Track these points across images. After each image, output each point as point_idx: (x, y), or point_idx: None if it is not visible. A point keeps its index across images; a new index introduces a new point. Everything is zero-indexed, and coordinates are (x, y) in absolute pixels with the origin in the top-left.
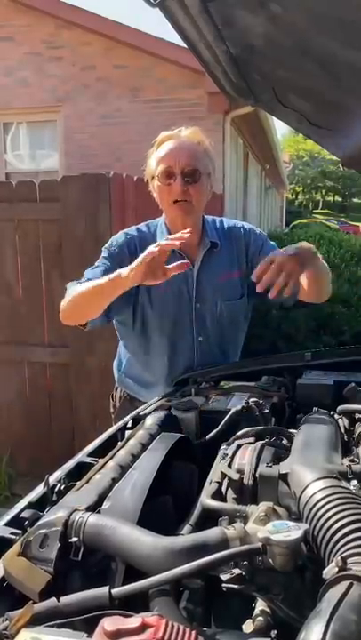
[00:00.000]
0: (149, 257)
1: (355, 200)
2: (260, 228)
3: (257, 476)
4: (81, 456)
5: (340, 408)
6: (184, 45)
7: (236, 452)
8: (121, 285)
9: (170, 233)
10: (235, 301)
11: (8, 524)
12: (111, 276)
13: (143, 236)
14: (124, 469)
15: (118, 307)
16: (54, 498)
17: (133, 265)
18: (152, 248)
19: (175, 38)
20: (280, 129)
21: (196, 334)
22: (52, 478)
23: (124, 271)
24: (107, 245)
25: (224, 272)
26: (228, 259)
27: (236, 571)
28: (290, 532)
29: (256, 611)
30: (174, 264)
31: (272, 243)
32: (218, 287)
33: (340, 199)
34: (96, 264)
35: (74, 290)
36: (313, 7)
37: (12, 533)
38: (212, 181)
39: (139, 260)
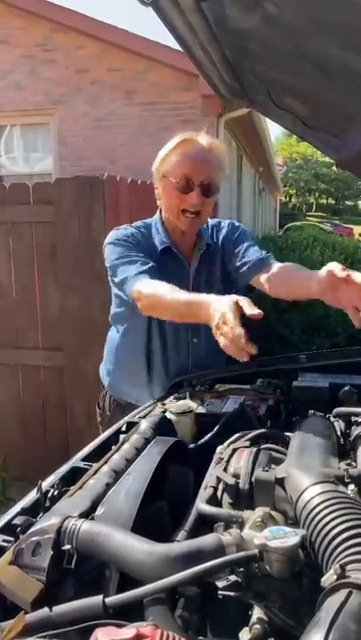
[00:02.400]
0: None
1: (348, 203)
2: (245, 226)
3: (253, 480)
4: (75, 461)
5: (335, 411)
6: (178, 48)
7: (231, 455)
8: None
9: (167, 232)
10: None
11: None
12: (196, 301)
13: (141, 232)
14: (118, 474)
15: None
16: (47, 504)
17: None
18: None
19: (169, 41)
20: (273, 132)
21: (191, 336)
22: (46, 484)
23: (206, 309)
24: (120, 238)
25: (213, 272)
26: (214, 258)
27: (233, 577)
28: (287, 537)
29: (253, 618)
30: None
31: (246, 231)
32: (212, 288)
33: (333, 202)
34: (128, 259)
35: (150, 287)
36: (308, 8)
37: (3, 541)
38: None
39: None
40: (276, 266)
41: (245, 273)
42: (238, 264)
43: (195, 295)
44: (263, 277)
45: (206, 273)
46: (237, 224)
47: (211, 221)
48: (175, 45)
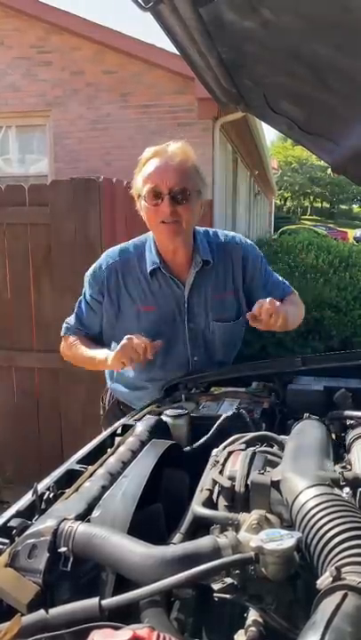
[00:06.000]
0: (126, 349)
1: (342, 206)
2: (253, 244)
3: (249, 483)
4: (70, 463)
5: (330, 414)
6: (174, 51)
7: (227, 458)
8: (106, 366)
9: (158, 252)
10: (229, 323)
11: None
12: (100, 356)
13: (127, 260)
14: (114, 477)
15: (111, 337)
16: (43, 506)
17: (113, 353)
18: (126, 342)
19: (166, 44)
20: (269, 135)
21: (191, 354)
22: (41, 486)
23: (110, 356)
24: (90, 274)
25: (217, 291)
26: (222, 276)
27: (228, 580)
28: (283, 540)
29: (248, 621)
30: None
31: (269, 269)
32: (210, 307)
33: (327, 205)
34: (83, 296)
35: (71, 343)
36: (305, 12)
37: None
38: (203, 198)
39: (118, 348)
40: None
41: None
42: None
43: (95, 351)
44: None
45: (203, 294)
46: (253, 255)
47: (220, 236)
48: (171, 48)
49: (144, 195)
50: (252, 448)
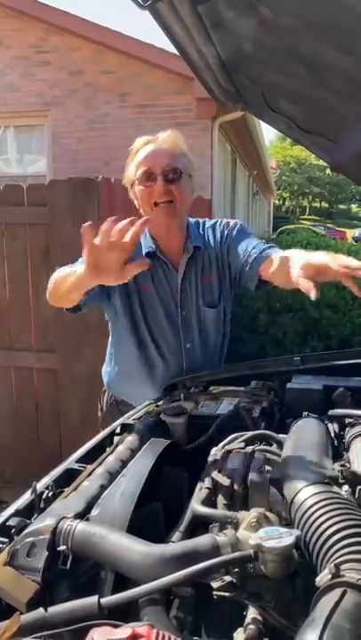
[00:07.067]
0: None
1: (341, 206)
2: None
3: (248, 481)
4: (69, 462)
5: (329, 413)
6: (173, 51)
7: (226, 457)
8: (80, 281)
9: (153, 238)
10: (214, 308)
11: None
12: (79, 270)
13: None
14: (112, 476)
15: (90, 300)
16: (42, 505)
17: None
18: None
19: (165, 43)
20: (267, 135)
21: (184, 341)
22: (40, 485)
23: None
24: None
25: (204, 274)
26: (208, 261)
27: (227, 578)
28: (281, 538)
29: (247, 619)
30: (135, 262)
31: (249, 231)
32: (200, 292)
33: (326, 205)
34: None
35: (57, 272)
36: (303, 11)
37: None
38: (194, 184)
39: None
40: (278, 256)
41: (249, 274)
42: (241, 266)
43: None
44: (265, 272)
45: (194, 279)
46: (233, 222)
47: (207, 223)
48: (170, 48)
49: (137, 178)
50: (251, 447)
